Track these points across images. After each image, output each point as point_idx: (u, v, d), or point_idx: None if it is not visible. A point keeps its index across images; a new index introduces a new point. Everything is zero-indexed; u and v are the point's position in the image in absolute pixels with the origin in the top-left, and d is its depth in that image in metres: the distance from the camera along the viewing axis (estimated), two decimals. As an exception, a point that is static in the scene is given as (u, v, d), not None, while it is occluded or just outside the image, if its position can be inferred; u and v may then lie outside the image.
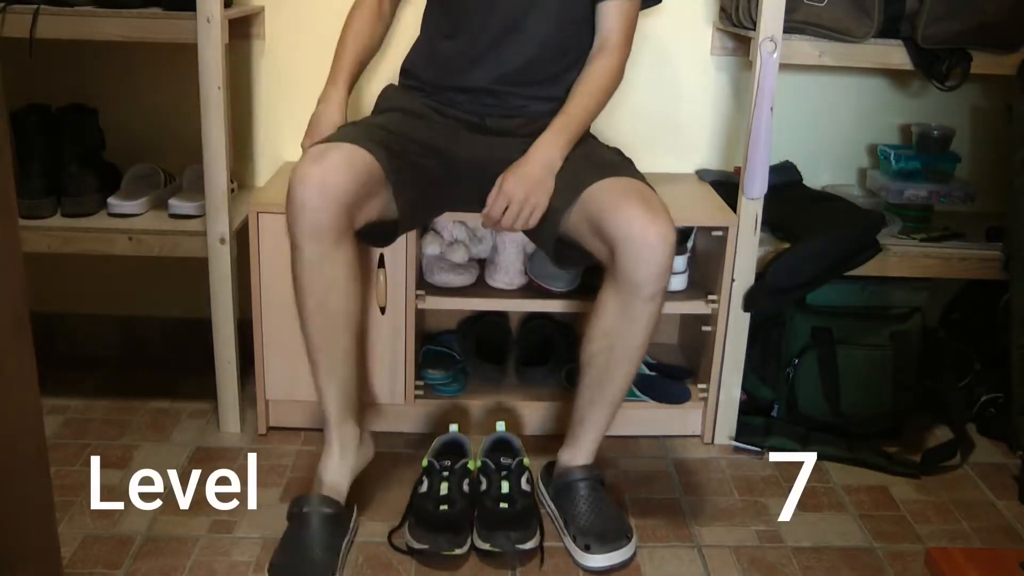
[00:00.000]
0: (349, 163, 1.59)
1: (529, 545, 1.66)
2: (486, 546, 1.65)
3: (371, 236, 1.74)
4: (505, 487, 1.72)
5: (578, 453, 1.78)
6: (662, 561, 1.69)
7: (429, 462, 1.76)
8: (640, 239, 1.58)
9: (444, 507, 1.69)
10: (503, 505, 1.70)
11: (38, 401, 1.07)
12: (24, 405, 1.04)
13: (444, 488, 1.71)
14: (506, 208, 1.68)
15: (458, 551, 1.63)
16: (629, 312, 1.64)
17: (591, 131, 1.89)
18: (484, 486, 1.75)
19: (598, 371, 1.71)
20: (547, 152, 1.72)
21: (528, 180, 1.69)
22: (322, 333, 1.64)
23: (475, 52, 1.82)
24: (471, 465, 1.78)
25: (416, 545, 1.65)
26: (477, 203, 1.75)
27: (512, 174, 1.70)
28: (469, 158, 1.81)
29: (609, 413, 1.75)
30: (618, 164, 1.78)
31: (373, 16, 1.87)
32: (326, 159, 1.57)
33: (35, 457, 1.08)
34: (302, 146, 1.79)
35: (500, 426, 1.86)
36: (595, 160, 1.77)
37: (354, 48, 1.84)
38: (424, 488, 1.73)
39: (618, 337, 1.67)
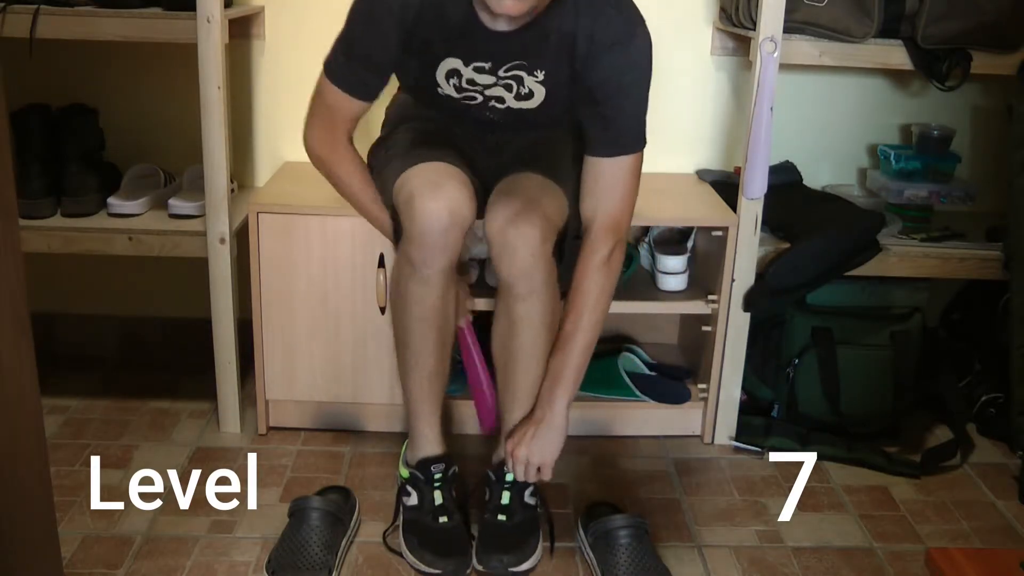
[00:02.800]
0: (467, 190, 1.58)
1: (525, 566, 1.65)
2: (480, 568, 1.65)
3: None
4: (506, 498, 1.71)
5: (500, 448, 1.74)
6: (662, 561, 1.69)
7: (411, 473, 1.73)
8: (500, 240, 1.58)
9: (444, 519, 1.68)
10: (501, 517, 1.69)
11: (38, 401, 1.07)
12: (24, 405, 1.04)
13: (439, 498, 1.70)
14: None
15: (468, 572, 1.65)
16: (510, 313, 1.64)
17: None
18: (487, 495, 1.73)
19: (500, 370, 1.71)
20: (546, 414, 1.63)
21: (534, 446, 1.62)
22: (434, 344, 1.68)
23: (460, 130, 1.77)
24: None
25: (427, 570, 1.63)
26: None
27: (523, 442, 1.63)
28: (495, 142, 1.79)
29: (522, 408, 1.69)
30: (543, 157, 1.73)
31: (353, 154, 1.71)
32: (445, 191, 1.55)
33: (35, 457, 1.08)
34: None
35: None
36: (535, 151, 1.74)
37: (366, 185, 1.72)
38: (414, 500, 1.71)
39: (508, 339, 1.66)
